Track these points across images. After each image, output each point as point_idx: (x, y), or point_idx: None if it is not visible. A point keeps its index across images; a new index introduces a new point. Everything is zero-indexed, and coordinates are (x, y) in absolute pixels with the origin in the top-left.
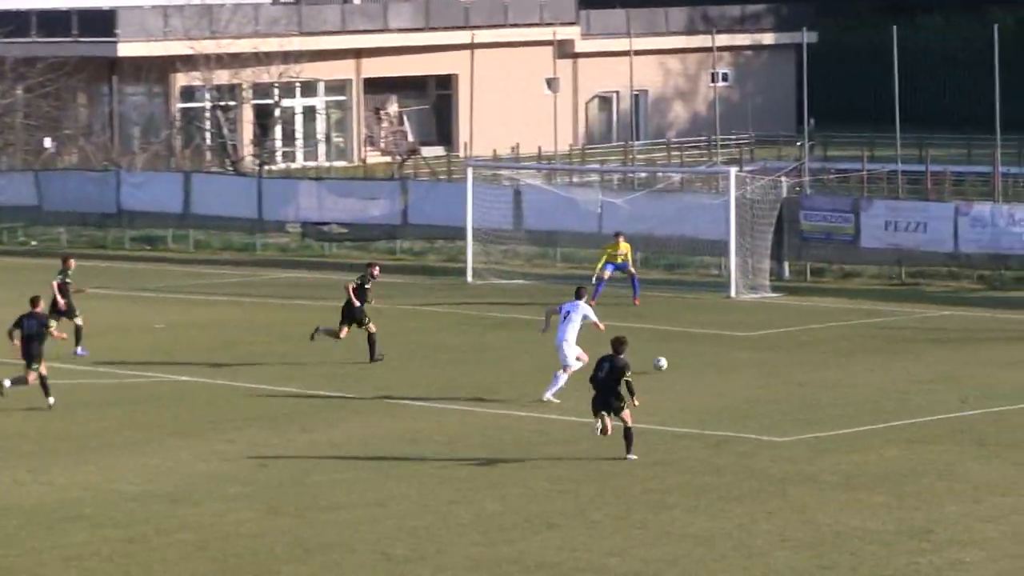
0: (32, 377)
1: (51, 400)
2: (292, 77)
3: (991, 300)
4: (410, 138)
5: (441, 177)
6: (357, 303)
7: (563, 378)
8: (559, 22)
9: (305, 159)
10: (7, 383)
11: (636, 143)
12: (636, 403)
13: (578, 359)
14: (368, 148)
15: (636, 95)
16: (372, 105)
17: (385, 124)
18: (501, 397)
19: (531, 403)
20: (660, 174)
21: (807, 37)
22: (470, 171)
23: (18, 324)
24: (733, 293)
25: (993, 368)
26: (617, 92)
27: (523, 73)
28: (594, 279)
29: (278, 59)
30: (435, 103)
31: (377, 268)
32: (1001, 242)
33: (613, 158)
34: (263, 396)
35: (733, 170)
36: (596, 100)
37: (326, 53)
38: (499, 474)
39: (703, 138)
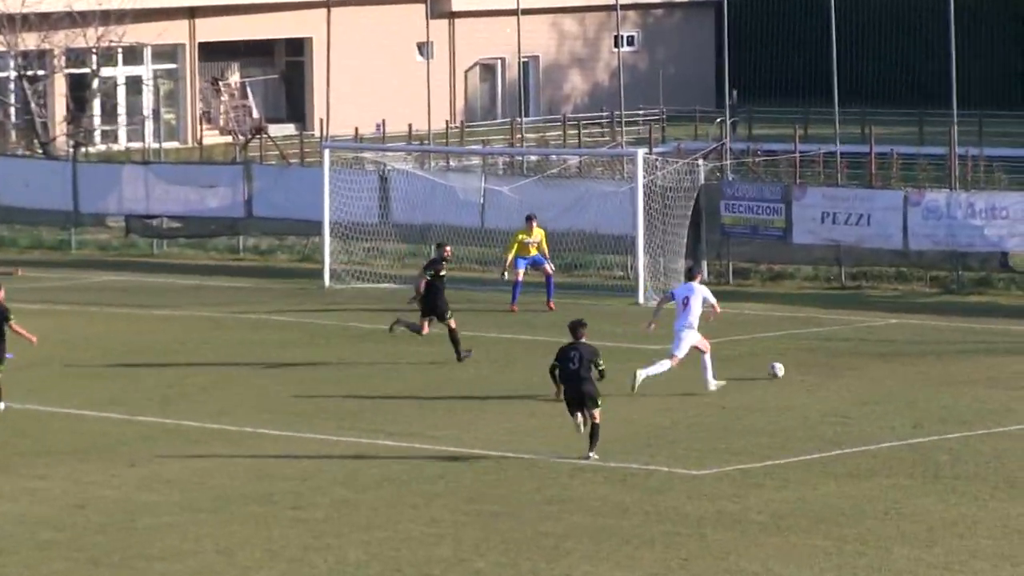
0: None
1: None
2: (113, 41)
3: (947, 306)
4: (255, 114)
5: (292, 161)
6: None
7: (667, 367)
8: None
9: (129, 140)
10: None
11: (525, 120)
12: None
13: (698, 348)
14: (205, 126)
15: (525, 62)
16: (209, 75)
17: (225, 98)
18: (366, 424)
19: (400, 432)
20: (554, 157)
21: None
22: (327, 154)
23: None
24: (641, 299)
25: (950, 387)
26: (502, 59)
27: (390, 37)
28: (505, 276)
29: (96, 20)
30: (284, 72)
31: (449, 248)
32: (958, 237)
33: (498, 138)
34: (82, 423)
35: (641, 152)
36: (477, 69)
37: (153, 13)
38: (363, 515)
39: (605, 114)
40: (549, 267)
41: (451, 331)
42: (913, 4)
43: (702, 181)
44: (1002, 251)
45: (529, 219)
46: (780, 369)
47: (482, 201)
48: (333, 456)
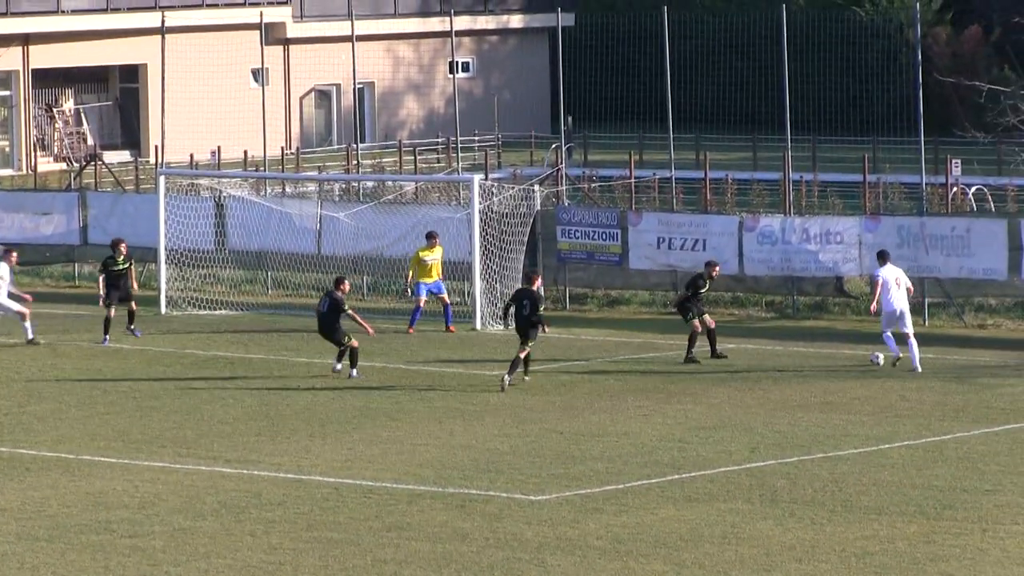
0: None
1: None
2: None
3: (783, 331)
4: (90, 141)
5: (128, 188)
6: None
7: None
8: (267, 2)
9: None
10: None
11: (361, 146)
12: (546, 330)
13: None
14: (39, 153)
15: (360, 88)
16: (43, 102)
17: (59, 124)
18: (204, 452)
19: (239, 459)
20: (390, 183)
21: (562, 20)
22: (162, 180)
23: None
24: (478, 325)
25: (787, 411)
26: (338, 85)
27: (224, 63)
28: (409, 292)
29: None
30: (119, 99)
31: (717, 268)
32: (793, 262)
33: (334, 164)
34: None
35: (477, 178)
36: (313, 95)
37: None
38: (202, 544)
39: (441, 140)
40: (446, 297)
41: (710, 332)
42: (747, 29)
43: (538, 207)
44: (837, 276)
45: (431, 236)
46: (880, 357)
47: (318, 227)
48: (171, 484)
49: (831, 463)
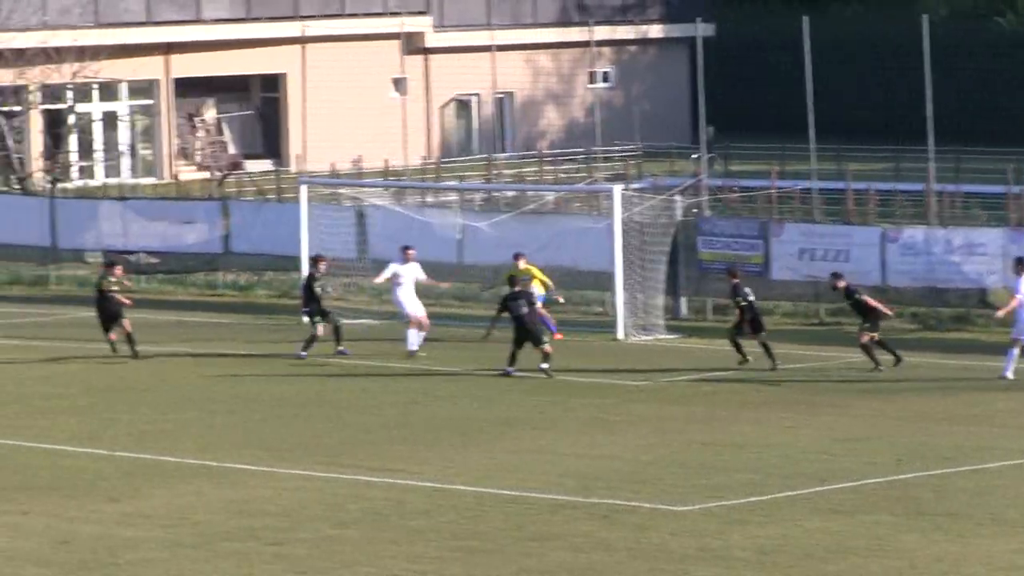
0: None
1: None
2: (89, 77)
3: (926, 342)
4: (231, 150)
5: (269, 197)
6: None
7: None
8: (407, 12)
9: (106, 175)
10: None
11: (501, 156)
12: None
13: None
14: (181, 162)
15: (500, 98)
16: (185, 111)
17: (201, 133)
18: (347, 460)
19: (383, 467)
20: (531, 193)
21: (702, 29)
22: (304, 189)
23: None
24: (621, 334)
25: (932, 423)
26: (478, 95)
27: (365, 73)
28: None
29: (72, 56)
30: (260, 108)
31: (842, 281)
32: (936, 273)
33: (474, 174)
34: (63, 459)
35: (618, 188)
36: (453, 105)
37: (129, 49)
38: (346, 552)
39: (581, 150)
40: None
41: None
42: (890, 40)
43: (679, 217)
44: (981, 287)
45: (517, 256)
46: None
47: (459, 236)
48: (315, 492)
49: (977, 476)
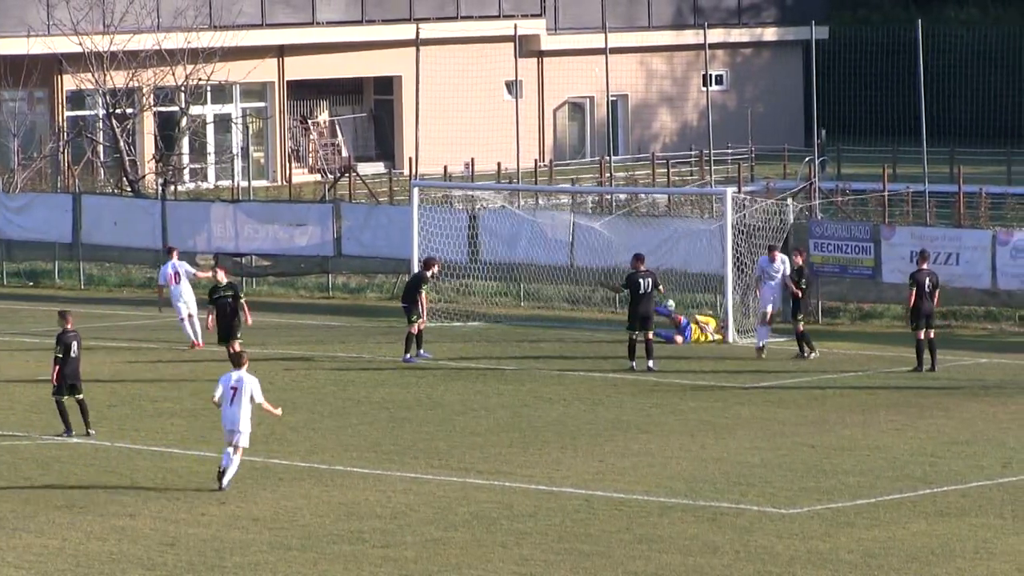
0: None
1: None
2: (201, 80)
3: None
4: (344, 153)
5: (382, 200)
6: None
7: None
8: (521, 14)
9: (218, 178)
10: None
11: (614, 158)
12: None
13: None
14: (294, 164)
15: (614, 101)
16: (298, 113)
17: (314, 136)
18: (456, 463)
19: (490, 470)
20: (643, 195)
21: (816, 33)
22: (416, 192)
23: None
24: (731, 337)
25: None
26: (591, 98)
27: (479, 75)
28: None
29: (184, 58)
30: (373, 111)
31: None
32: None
33: (587, 177)
34: (171, 461)
35: (730, 191)
36: (566, 107)
37: (242, 51)
38: (454, 554)
39: (694, 152)
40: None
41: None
42: (1002, 41)
43: (791, 220)
44: None
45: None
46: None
47: (571, 239)
48: (423, 494)
49: None
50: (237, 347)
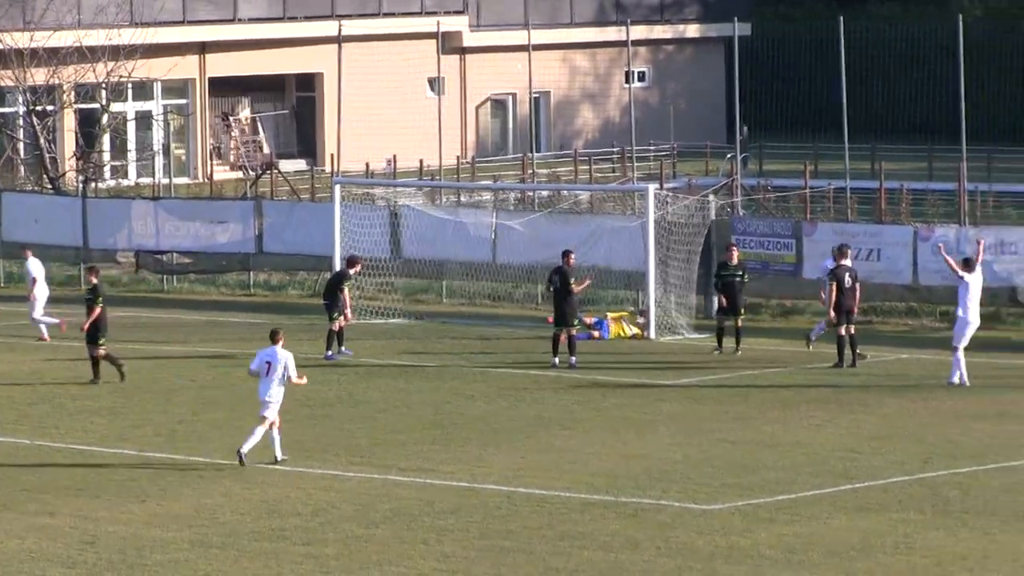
0: None
1: None
2: (123, 77)
3: None
4: (265, 149)
5: (303, 197)
6: None
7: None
8: (443, 11)
9: (139, 175)
10: None
11: (536, 155)
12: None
13: None
14: (215, 162)
15: (536, 98)
16: (220, 110)
17: (235, 133)
18: (377, 460)
19: (412, 467)
20: (565, 192)
21: (739, 29)
22: (338, 189)
23: None
24: (652, 334)
25: (960, 421)
26: (514, 95)
27: (401, 72)
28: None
29: (105, 55)
30: (295, 108)
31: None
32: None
33: (509, 173)
34: (91, 459)
35: (652, 187)
36: (489, 104)
37: (163, 48)
38: (375, 551)
39: (616, 149)
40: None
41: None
42: (923, 40)
43: (713, 217)
44: (1011, 286)
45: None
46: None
47: (493, 236)
48: (344, 491)
49: (1004, 473)
50: (101, 352)
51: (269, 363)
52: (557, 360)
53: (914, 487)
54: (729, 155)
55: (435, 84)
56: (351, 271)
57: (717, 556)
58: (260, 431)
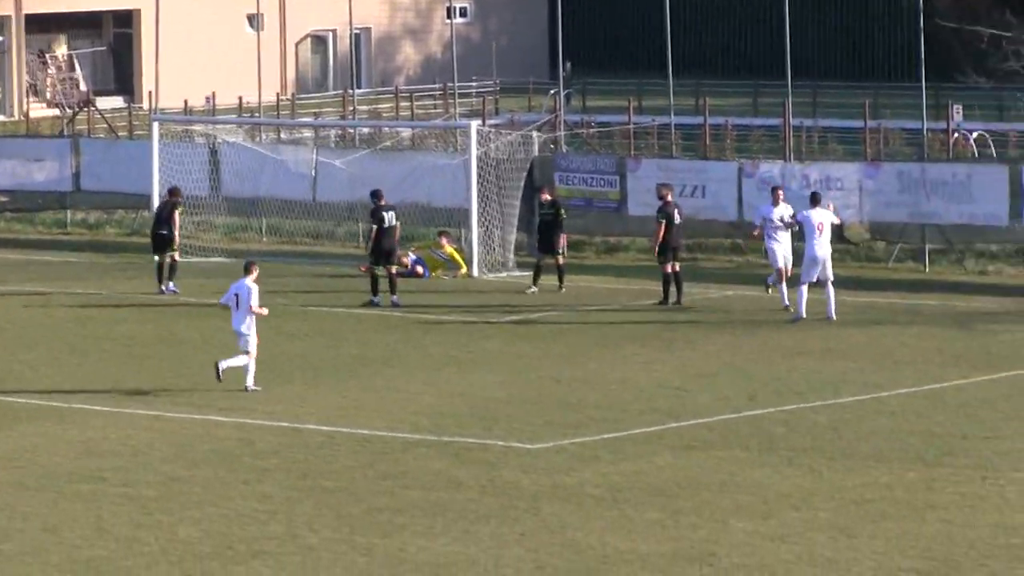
0: None
1: None
2: None
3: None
4: (82, 87)
5: (121, 134)
6: None
7: None
8: None
9: None
10: None
11: (357, 92)
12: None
13: None
14: (32, 99)
15: (357, 34)
16: (36, 47)
17: (52, 70)
18: (197, 400)
19: (233, 407)
20: (387, 129)
21: None
22: (156, 126)
23: None
24: (475, 271)
25: (785, 358)
26: (334, 31)
27: (219, 8)
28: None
29: None
30: (112, 45)
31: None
32: (793, 208)
33: (330, 110)
34: None
35: (474, 124)
36: (309, 40)
37: None
38: (195, 492)
39: (438, 86)
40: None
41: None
42: None
43: (536, 153)
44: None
45: (441, 234)
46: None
47: (314, 174)
48: (163, 432)
49: (830, 410)
50: None
51: (238, 295)
52: (378, 299)
53: (740, 424)
54: (552, 91)
55: (254, 20)
56: (177, 198)
57: (542, 495)
58: (242, 360)
